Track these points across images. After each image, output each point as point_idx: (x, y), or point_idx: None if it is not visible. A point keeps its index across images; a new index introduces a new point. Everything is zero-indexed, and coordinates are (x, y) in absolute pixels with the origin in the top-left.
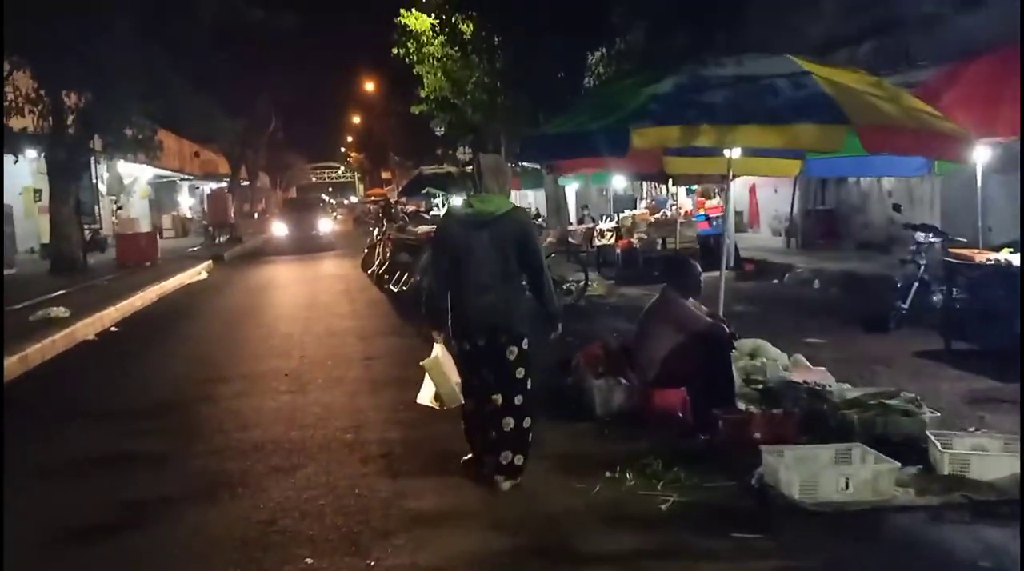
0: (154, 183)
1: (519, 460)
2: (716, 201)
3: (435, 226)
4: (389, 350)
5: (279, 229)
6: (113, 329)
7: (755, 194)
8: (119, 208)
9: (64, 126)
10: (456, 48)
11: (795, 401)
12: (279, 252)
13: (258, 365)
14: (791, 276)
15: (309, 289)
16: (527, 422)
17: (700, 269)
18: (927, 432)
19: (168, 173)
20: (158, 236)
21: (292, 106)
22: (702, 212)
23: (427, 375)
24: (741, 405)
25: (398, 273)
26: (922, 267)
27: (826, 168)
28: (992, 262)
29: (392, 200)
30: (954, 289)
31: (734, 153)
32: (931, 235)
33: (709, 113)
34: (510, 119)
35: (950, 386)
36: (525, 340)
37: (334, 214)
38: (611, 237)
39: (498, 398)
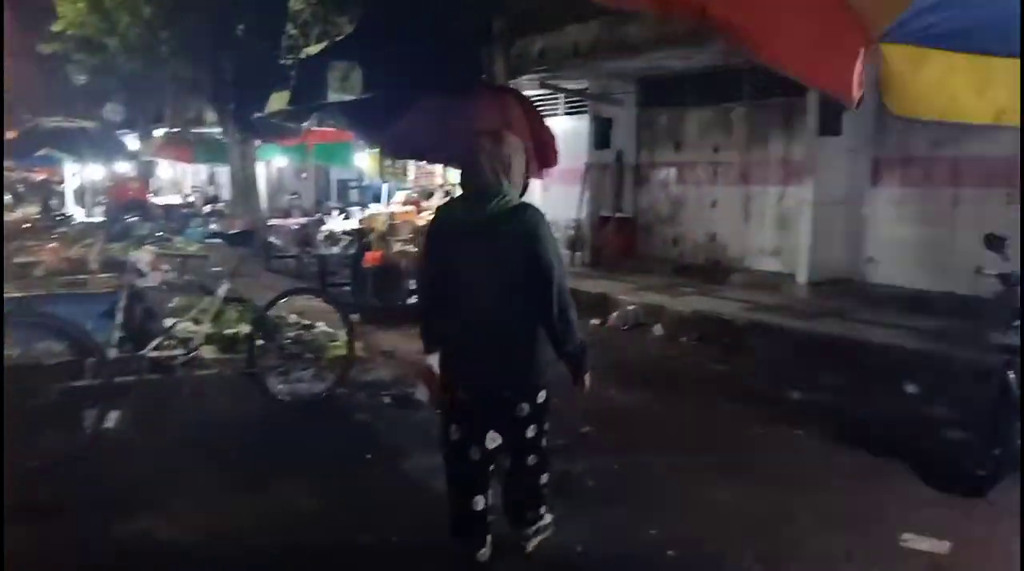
0: None
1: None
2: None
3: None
4: None
5: None
6: None
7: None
8: None
9: None
10: None
11: None
12: None
13: None
14: (620, 315)
15: None
16: (545, 478)
17: None
18: None
19: None
20: None
21: None
22: None
23: None
24: None
25: None
26: None
27: None
28: None
29: None
30: None
31: None
32: None
33: None
34: (179, 68)
35: None
36: (541, 393)
37: None
38: (350, 244)
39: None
